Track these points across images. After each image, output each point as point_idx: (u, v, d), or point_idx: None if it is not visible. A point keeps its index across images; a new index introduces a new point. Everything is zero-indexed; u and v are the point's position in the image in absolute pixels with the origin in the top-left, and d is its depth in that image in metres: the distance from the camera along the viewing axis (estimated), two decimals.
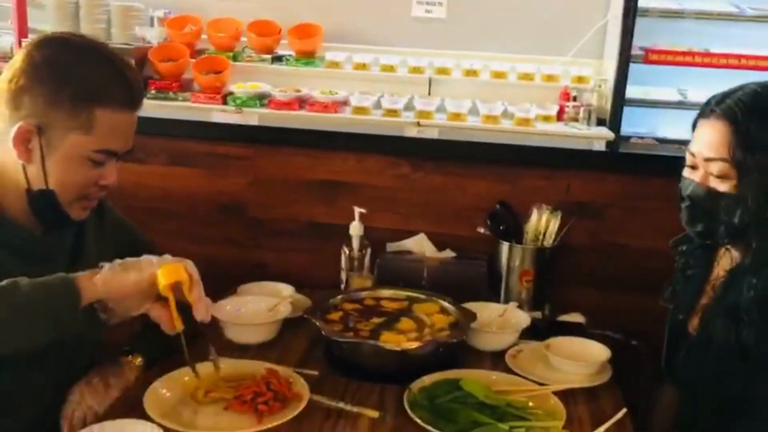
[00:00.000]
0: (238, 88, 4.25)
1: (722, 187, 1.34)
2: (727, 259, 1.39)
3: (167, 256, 1.26)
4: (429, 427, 1.28)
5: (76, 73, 1.26)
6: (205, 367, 1.38)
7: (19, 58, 1.27)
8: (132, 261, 1.23)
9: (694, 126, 1.41)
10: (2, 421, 1.34)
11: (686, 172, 1.42)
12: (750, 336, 1.27)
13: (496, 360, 1.59)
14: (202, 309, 1.25)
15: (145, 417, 1.26)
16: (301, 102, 4.24)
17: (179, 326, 1.25)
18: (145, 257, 1.24)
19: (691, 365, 1.37)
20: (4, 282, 1.16)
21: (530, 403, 1.38)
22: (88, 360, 1.46)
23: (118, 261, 1.23)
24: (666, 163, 1.96)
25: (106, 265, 1.22)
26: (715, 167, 1.33)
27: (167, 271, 1.22)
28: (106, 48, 1.34)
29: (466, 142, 2.09)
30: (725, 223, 1.34)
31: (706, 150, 1.35)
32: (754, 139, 1.28)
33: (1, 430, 1.36)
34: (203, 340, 1.40)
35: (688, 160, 1.40)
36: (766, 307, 1.27)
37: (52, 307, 1.16)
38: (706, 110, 1.37)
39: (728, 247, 1.41)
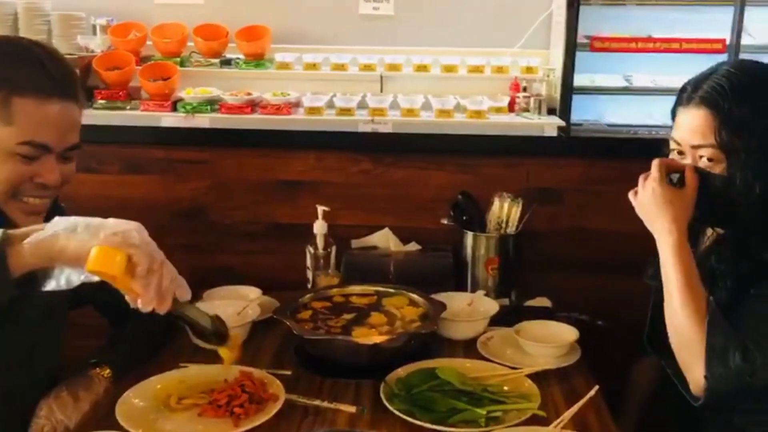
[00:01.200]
0: (188, 93, 4.18)
1: (715, 169, 1.35)
2: (713, 233, 1.41)
3: (129, 229, 1.04)
4: (407, 418, 1.29)
5: None
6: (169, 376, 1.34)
7: None
8: (81, 224, 1.04)
9: (673, 114, 1.42)
10: None
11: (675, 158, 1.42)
12: (725, 302, 1.29)
13: (469, 348, 1.61)
14: (147, 300, 1.04)
15: (118, 428, 1.23)
16: (253, 105, 4.21)
17: (134, 302, 1.06)
18: (100, 221, 1.04)
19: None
20: None
21: (505, 387, 1.40)
22: (49, 370, 1.42)
23: (62, 221, 1.05)
24: (617, 145, 2.03)
25: (47, 226, 1.05)
26: (704, 153, 1.35)
27: (99, 255, 1.00)
28: (28, 40, 1.29)
29: (425, 134, 2.10)
30: (719, 205, 1.35)
31: (691, 137, 1.36)
32: (738, 122, 1.30)
33: None
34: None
35: (674, 146, 1.41)
36: (740, 275, 1.30)
37: None
38: (683, 97, 1.39)
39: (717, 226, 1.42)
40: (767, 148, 1.30)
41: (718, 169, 1.35)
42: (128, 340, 1.53)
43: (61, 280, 1.07)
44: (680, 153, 1.41)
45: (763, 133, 1.30)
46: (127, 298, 1.07)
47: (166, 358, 1.51)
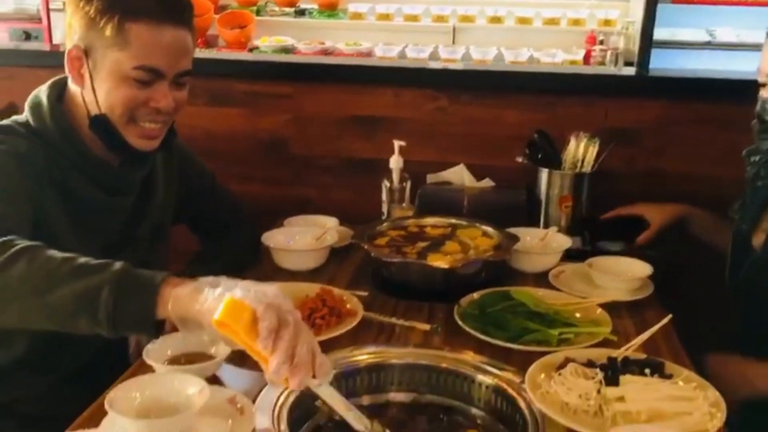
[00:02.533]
0: (263, 42, 4.29)
1: None
2: None
3: (268, 291, 0.97)
4: (481, 335, 1.33)
5: None
6: None
7: None
8: (217, 282, 1.00)
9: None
10: (81, 338, 1.41)
11: (761, 92, 1.42)
12: None
13: (540, 281, 1.64)
14: (273, 368, 0.93)
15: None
16: (326, 54, 4.28)
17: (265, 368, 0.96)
18: (236, 282, 0.99)
19: (753, 279, 1.38)
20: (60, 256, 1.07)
21: (577, 314, 1.43)
22: None
23: (207, 279, 1.01)
24: (701, 85, 1.99)
25: (193, 284, 1.01)
26: None
27: (226, 308, 0.95)
28: None
29: (503, 71, 2.11)
30: None
31: None
32: None
33: (81, 347, 1.40)
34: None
35: (760, 80, 1.40)
36: None
37: (124, 310, 1.02)
38: None
39: None
40: None
41: None
42: (217, 254, 1.62)
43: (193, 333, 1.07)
44: (763, 85, 1.39)
45: None
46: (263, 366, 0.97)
47: (250, 277, 1.58)
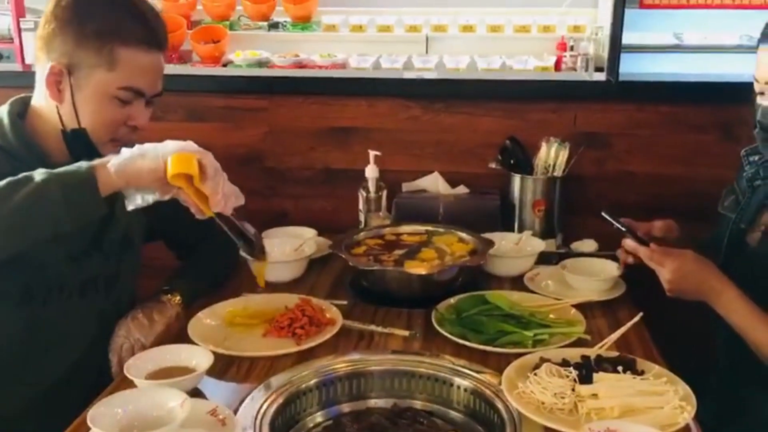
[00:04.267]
0: (237, 56, 4.30)
1: None
2: None
3: (188, 144, 1.22)
4: (458, 339, 1.36)
5: (99, 12, 1.34)
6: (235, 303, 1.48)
7: (49, 3, 1.35)
8: (148, 147, 1.21)
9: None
10: (55, 351, 1.43)
11: (758, 99, 1.43)
12: None
13: (515, 284, 1.67)
14: (216, 201, 1.23)
15: (192, 344, 1.33)
16: (301, 66, 4.30)
17: (207, 211, 1.24)
18: (163, 143, 1.22)
19: (748, 275, 1.41)
20: (19, 175, 1.20)
21: (551, 315, 1.46)
22: (128, 295, 1.56)
23: (135, 148, 1.22)
24: (668, 89, 2.04)
25: (123, 151, 1.21)
26: None
27: (176, 160, 1.18)
28: None
29: (473, 80, 2.14)
30: None
31: (766, 74, 1.38)
32: None
33: (54, 361, 1.44)
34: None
35: (756, 87, 1.42)
36: None
37: (69, 194, 1.18)
38: (762, 36, 1.40)
39: None
40: None
41: None
42: (196, 270, 1.63)
43: (138, 199, 1.24)
44: (761, 93, 1.42)
45: None
46: (192, 209, 1.25)
47: (228, 291, 1.60)
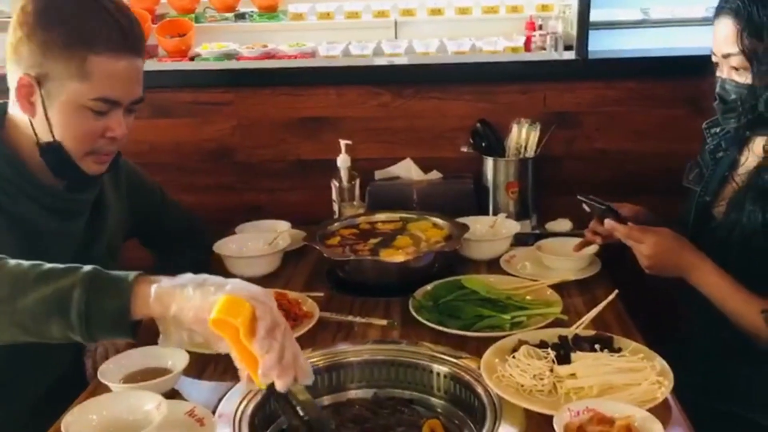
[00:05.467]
0: (204, 49, 4.24)
1: (741, 78, 1.37)
2: (759, 145, 1.42)
3: (254, 289, 1.00)
4: (435, 326, 1.36)
5: (67, 19, 1.23)
6: None
7: (16, 12, 1.26)
8: (211, 279, 1.00)
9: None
10: (40, 365, 1.39)
11: (717, 72, 1.44)
12: None
13: (492, 267, 1.67)
14: (265, 368, 0.95)
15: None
16: (270, 57, 4.25)
17: (255, 380, 0.97)
18: (231, 280, 1.00)
19: (716, 245, 1.42)
20: (47, 266, 1.06)
21: (528, 297, 1.47)
22: None
23: (198, 277, 1.01)
24: (635, 66, 2.04)
25: (172, 278, 1.01)
26: (733, 61, 1.37)
27: (225, 303, 0.95)
28: None
29: (442, 65, 2.13)
30: (748, 112, 1.37)
31: (720, 47, 1.39)
32: (758, 26, 1.32)
33: (41, 375, 1.40)
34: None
35: (714, 60, 1.43)
36: None
37: (90, 309, 1.01)
38: (717, 9, 1.41)
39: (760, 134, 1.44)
40: None
41: (745, 77, 1.36)
42: (171, 272, 1.61)
43: (173, 338, 1.04)
44: (718, 66, 1.43)
45: None
46: (240, 370, 1.00)
47: None
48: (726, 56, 1.38)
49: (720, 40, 1.39)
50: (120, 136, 1.31)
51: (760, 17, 1.32)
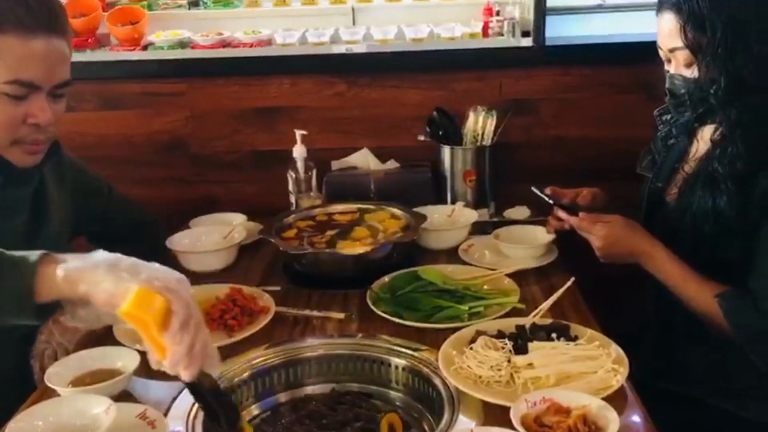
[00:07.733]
0: (157, 37, 4.13)
1: (688, 72, 1.38)
2: (708, 133, 1.42)
3: (172, 280, 0.95)
4: (393, 318, 1.34)
5: None
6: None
7: None
8: (128, 262, 0.95)
9: None
10: None
11: (665, 66, 1.45)
12: (725, 203, 1.32)
13: (450, 256, 1.66)
14: (173, 359, 0.92)
15: (116, 345, 1.28)
16: (225, 45, 4.17)
17: (161, 358, 0.94)
18: (149, 264, 0.96)
19: (668, 231, 1.43)
20: None
21: (485, 286, 1.46)
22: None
23: (112, 256, 0.97)
24: (590, 52, 2.05)
25: (81, 257, 0.97)
26: (679, 56, 1.38)
27: (139, 296, 0.91)
28: None
29: (397, 53, 2.11)
30: (698, 105, 1.38)
31: (665, 42, 1.39)
32: (700, 18, 1.32)
33: None
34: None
35: (661, 54, 1.44)
36: (739, 176, 1.32)
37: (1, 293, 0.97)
38: (659, 4, 1.41)
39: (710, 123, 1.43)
40: (730, 44, 1.30)
41: (692, 71, 1.36)
42: None
43: (78, 317, 1.00)
44: (667, 61, 1.43)
45: (725, 28, 1.31)
46: (149, 355, 0.95)
47: None
48: (672, 51, 1.39)
49: (665, 35, 1.39)
50: (44, 123, 1.25)
51: (701, 9, 1.32)
